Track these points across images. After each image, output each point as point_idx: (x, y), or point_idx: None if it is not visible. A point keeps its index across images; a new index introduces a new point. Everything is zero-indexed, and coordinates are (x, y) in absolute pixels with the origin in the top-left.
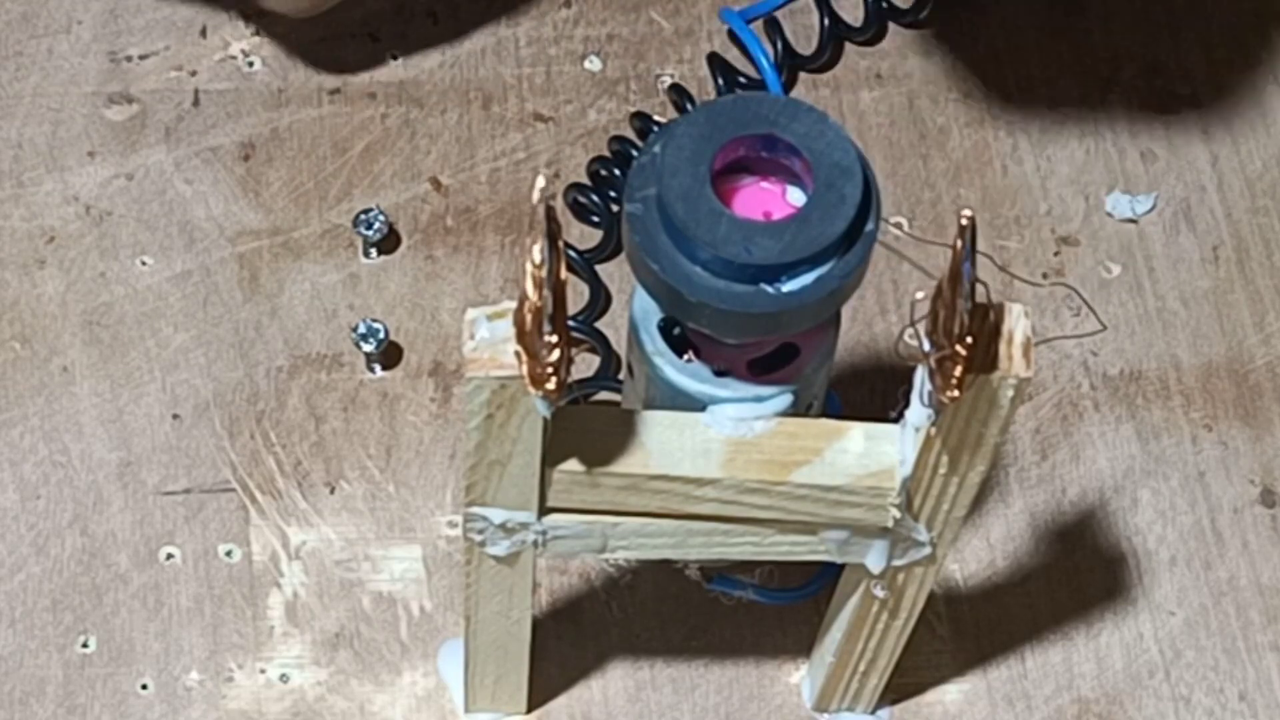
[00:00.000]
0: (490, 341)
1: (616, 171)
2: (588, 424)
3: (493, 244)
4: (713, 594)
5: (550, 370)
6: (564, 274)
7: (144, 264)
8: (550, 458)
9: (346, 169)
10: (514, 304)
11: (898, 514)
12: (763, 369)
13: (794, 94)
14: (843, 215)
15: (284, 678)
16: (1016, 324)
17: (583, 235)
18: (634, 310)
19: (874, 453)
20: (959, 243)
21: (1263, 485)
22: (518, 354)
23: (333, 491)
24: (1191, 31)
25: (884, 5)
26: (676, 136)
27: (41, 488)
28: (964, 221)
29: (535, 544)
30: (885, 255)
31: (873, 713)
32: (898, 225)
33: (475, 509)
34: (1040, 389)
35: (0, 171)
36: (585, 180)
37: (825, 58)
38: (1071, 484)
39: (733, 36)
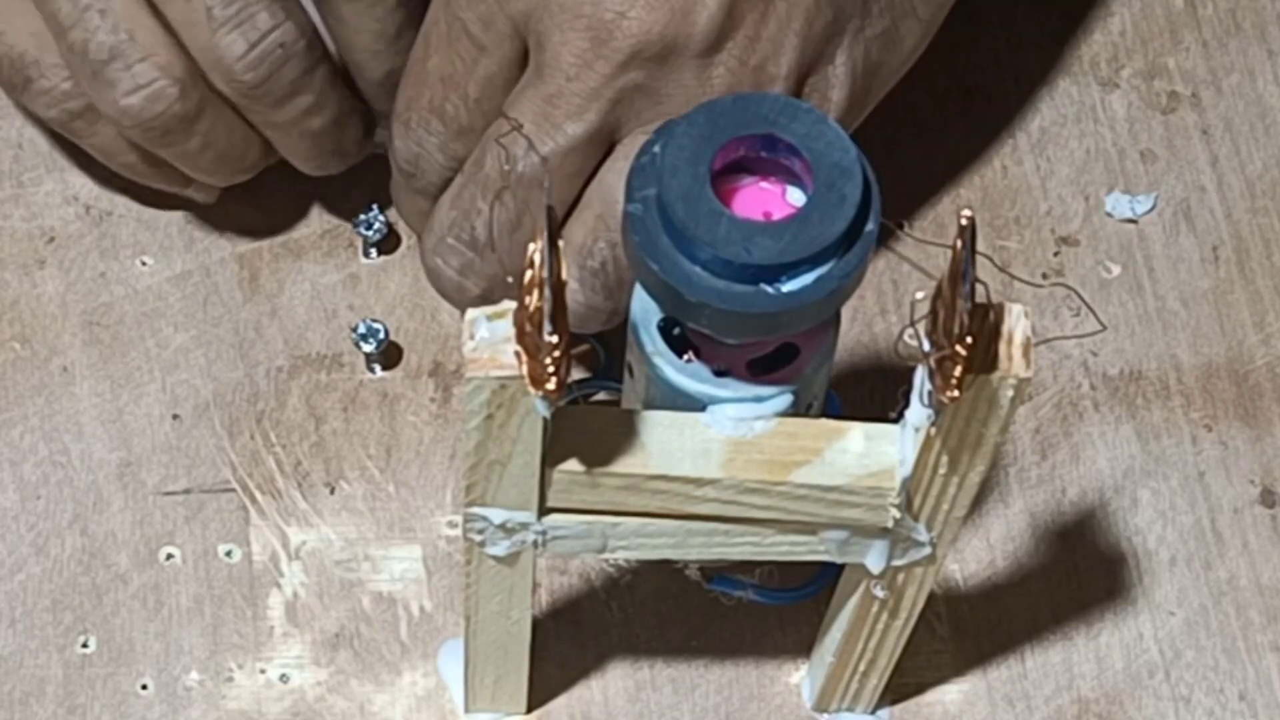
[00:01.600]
0: (490, 341)
1: None
2: (588, 424)
3: None
4: (713, 594)
5: (550, 370)
6: (564, 274)
7: (144, 264)
8: (550, 458)
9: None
10: (514, 304)
11: (898, 514)
12: (763, 369)
13: None
14: (843, 215)
15: (284, 678)
16: (1016, 324)
17: None
18: (634, 310)
19: (874, 453)
20: (959, 243)
21: (1263, 485)
22: (518, 354)
23: (333, 491)
24: (1191, 31)
25: None
26: (676, 136)
27: (41, 488)
28: (964, 221)
29: (535, 544)
30: (885, 255)
31: (873, 713)
32: (898, 225)
33: (475, 509)
34: (1040, 389)
35: (0, 171)
36: None
37: None
38: (1071, 484)
39: None
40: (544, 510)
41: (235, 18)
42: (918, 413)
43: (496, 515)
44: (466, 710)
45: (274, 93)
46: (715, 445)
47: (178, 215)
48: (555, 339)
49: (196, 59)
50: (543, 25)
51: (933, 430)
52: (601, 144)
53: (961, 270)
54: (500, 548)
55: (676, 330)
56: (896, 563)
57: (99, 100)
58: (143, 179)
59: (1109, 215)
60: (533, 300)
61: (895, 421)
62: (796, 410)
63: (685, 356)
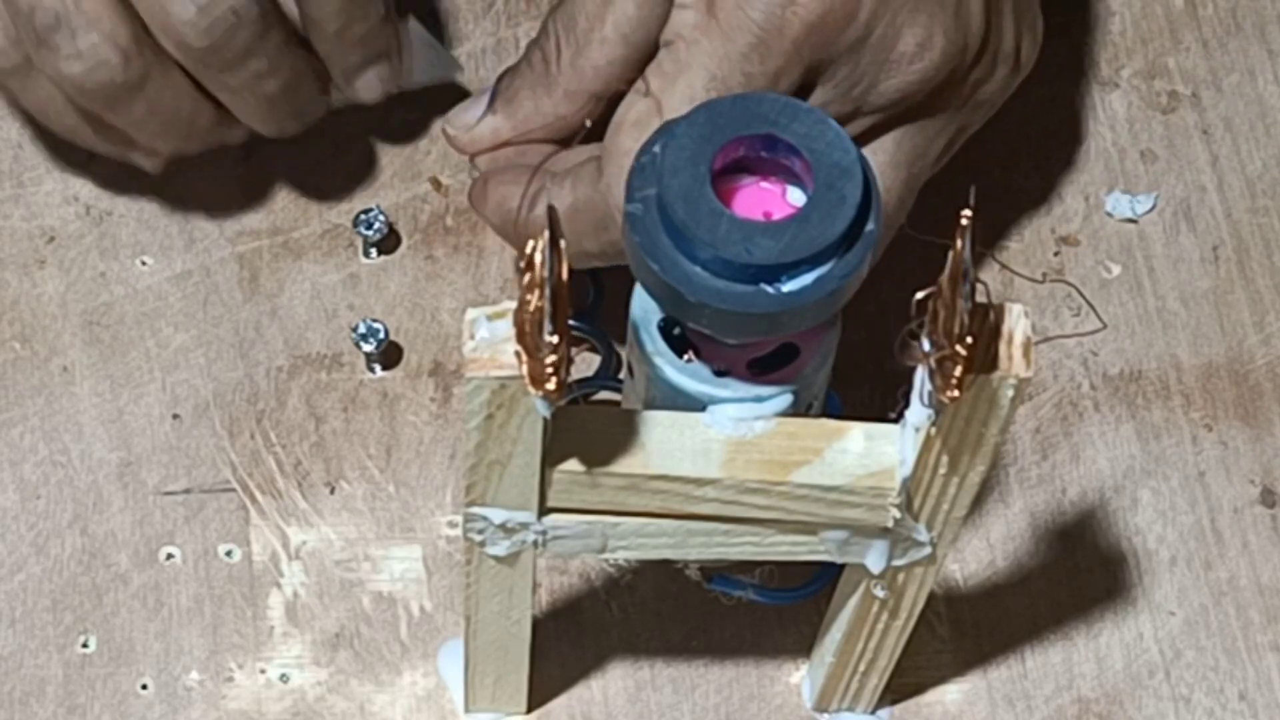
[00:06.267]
0: (490, 341)
1: None
2: (588, 424)
3: (493, 244)
4: (713, 594)
5: (550, 370)
6: (564, 274)
7: (144, 264)
8: (550, 458)
9: (346, 169)
10: (514, 304)
11: (898, 514)
12: (763, 369)
13: None
14: (843, 215)
15: (284, 678)
16: (1016, 324)
17: None
18: (634, 310)
19: (874, 453)
20: (959, 243)
21: (1263, 485)
22: (518, 354)
23: (333, 491)
24: (1191, 31)
25: None
26: (677, 136)
27: (41, 488)
28: (964, 222)
29: (535, 544)
30: (885, 255)
31: (873, 713)
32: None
33: (475, 509)
34: (1040, 389)
35: (0, 171)
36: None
37: None
38: (1071, 484)
39: None
40: (544, 510)
41: None
42: (918, 413)
43: (496, 515)
44: (466, 710)
45: (226, 56)
46: (715, 445)
47: (178, 215)
48: (555, 339)
49: (146, 21)
50: None
51: (933, 430)
52: None
53: (962, 270)
54: (500, 548)
55: (677, 330)
56: (896, 563)
57: (43, 65)
58: (84, 143)
59: (1109, 215)
60: (533, 300)
61: (895, 421)
62: (796, 410)
63: (685, 356)
